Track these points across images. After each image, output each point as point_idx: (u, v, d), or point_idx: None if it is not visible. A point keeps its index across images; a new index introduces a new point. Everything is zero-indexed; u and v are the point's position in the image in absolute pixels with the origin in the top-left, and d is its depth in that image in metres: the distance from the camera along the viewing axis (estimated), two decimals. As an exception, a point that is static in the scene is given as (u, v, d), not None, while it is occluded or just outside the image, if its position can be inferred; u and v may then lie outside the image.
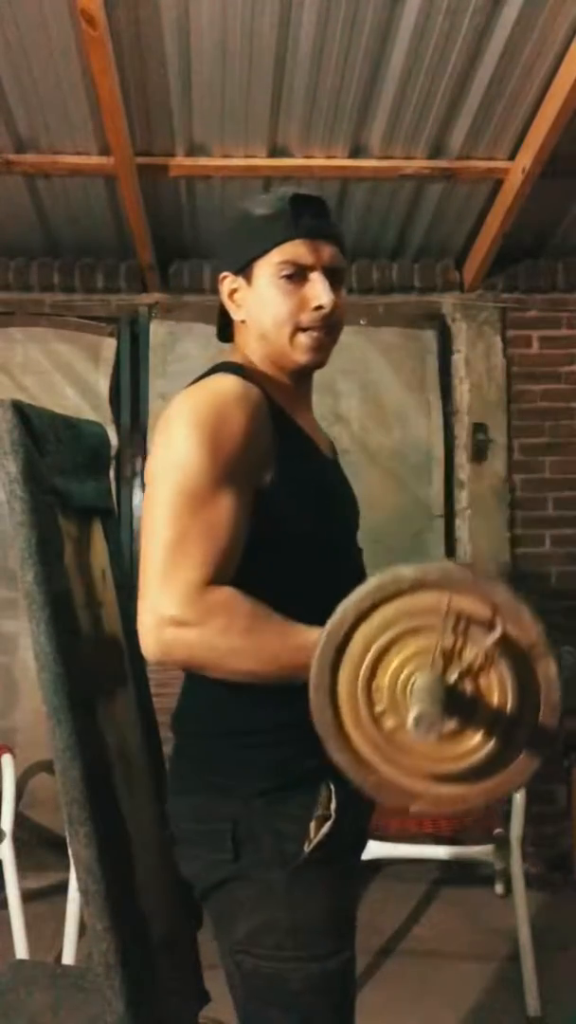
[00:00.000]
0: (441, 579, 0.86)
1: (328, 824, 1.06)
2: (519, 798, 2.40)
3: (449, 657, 0.86)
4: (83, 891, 1.13)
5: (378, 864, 2.86)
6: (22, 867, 2.41)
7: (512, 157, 2.53)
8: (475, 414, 3.15)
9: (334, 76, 2.21)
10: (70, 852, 1.16)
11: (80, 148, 2.48)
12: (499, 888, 2.83)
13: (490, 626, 0.86)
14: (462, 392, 3.17)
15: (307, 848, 1.06)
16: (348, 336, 3.10)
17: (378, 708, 0.89)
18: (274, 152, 2.52)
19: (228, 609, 0.97)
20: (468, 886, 2.87)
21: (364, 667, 0.88)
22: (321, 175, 2.59)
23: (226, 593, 0.98)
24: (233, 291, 1.20)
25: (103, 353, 3.12)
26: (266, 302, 1.15)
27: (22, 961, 2.21)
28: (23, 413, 1.13)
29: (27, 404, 1.16)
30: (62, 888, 2.41)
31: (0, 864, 2.39)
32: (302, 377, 1.22)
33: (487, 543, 3.14)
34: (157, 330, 3.11)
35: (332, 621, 0.88)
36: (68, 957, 2.26)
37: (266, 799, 1.07)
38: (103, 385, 3.11)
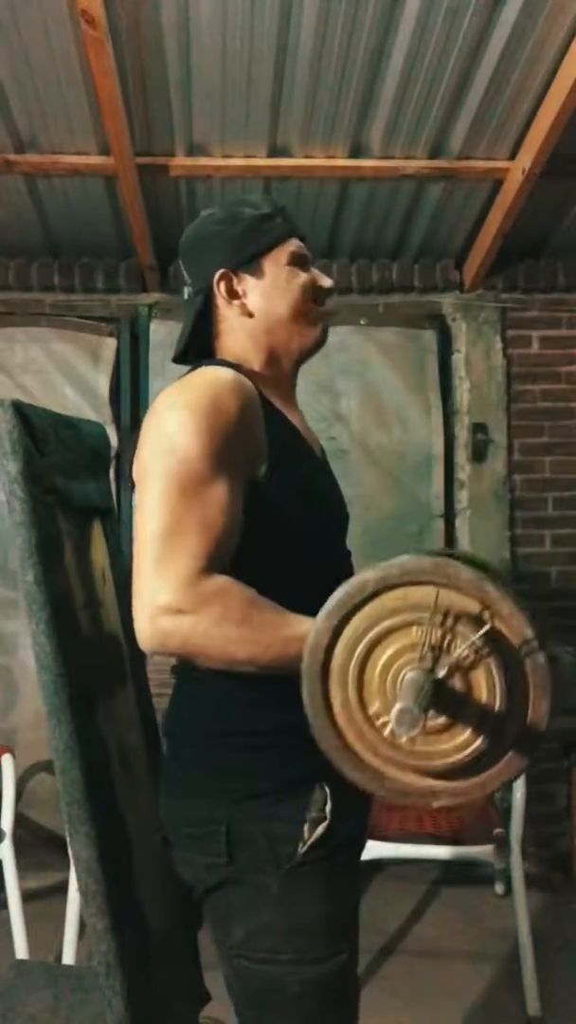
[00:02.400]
0: (432, 573, 0.86)
1: (322, 826, 1.06)
2: (519, 798, 2.40)
3: (438, 652, 0.86)
4: (83, 891, 1.13)
5: (378, 864, 2.86)
6: (22, 867, 2.41)
7: (512, 157, 2.53)
8: (475, 414, 3.15)
9: (334, 76, 2.21)
10: (70, 852, 1.16)
11: (80, 148, 2.48)
12: (499, 888, 2.83)
13: (479, 621, 0.85)
14: (462, 392, 3.17)
15: (301, 850, 1.05)
16: (348, 336, 3.15)
17: (367, 697, 0.89)
18: (274, 152, 2.52)
19: (223, 597, 0.96)
20: (468, 886, 2.87)
21: (356, 657, 0.88)
22: (321, 175, 2.59)
23: (221, 582, 0.97)
24: (233, 289, 1.20)
25: (103, 353, 3.12)
26: (284, 288, 1.19)
27: (22, 961, 2.22)
28: (23, 413, 1.13)
29: (27, 404, 1.16)
30: (62, 888, 2.41)
31: (0, 864, 2.39)
32: (295, 372, 1.23)
33: (487, 543, 3.14)
34: (157, 330, 3.11)
35: (325, 610, 0.88)
36: (68, 957, 2.26)
37: (259, 801, 1.07)
38: (103, 385, 3.11)
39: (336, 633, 0.89)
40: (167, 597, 0.95)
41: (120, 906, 1.14)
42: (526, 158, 2.43)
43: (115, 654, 1.34)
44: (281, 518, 1.08)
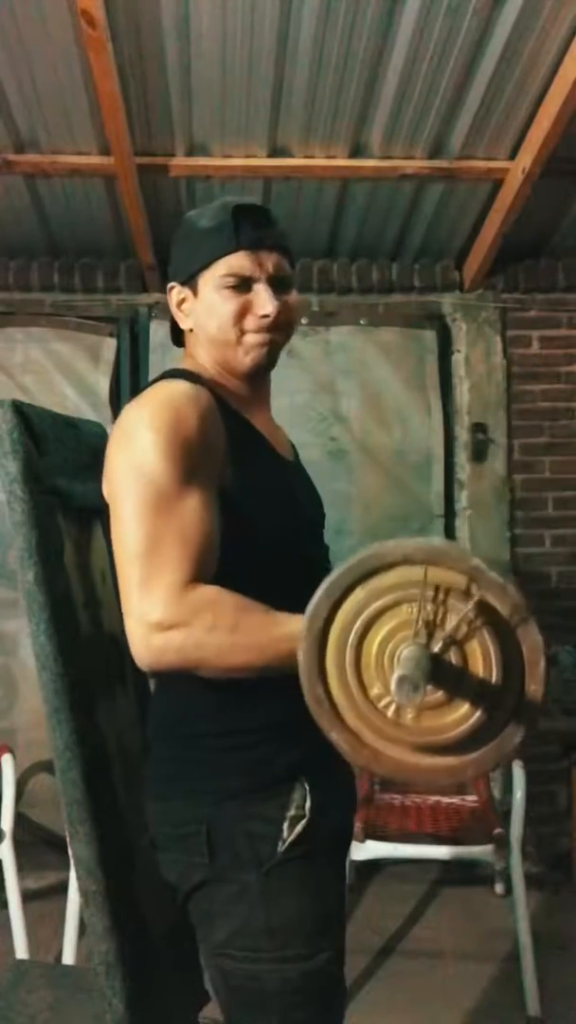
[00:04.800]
0: (417, 553, 0.87)
1: (302, 823, 1.06)
2: (519, 798, 2.40)
3: (432, 628, 0.87)
4: (83, 891, 1.13)
5: (378, 864, 2.86)
6: (22, 867, 2.41)
7: (512, 157, 2.53)
8: (475, 414, 3.15)
9: (334, 76, 2.21)
10: (70, 852, 1.16)
11: (80, 148, 2.48)
12: (499, 888, 2.83)
13: (469, 594, 0.86)
14: (462, 392, 3.17)
15: (281, 848, 1.05)
16: (348, 336, 3.15)
17: (367, 683, 0.89)
18: (274, 152, 2.52)
19: (213, 606, 0.96)
20: (468, 886, 2.87)
21: (350, 644, 0.88)
22: (321, 175, 2.59)
23: (208, 591, 0.98)
24: (181, 301, 1.21)
25: (103, 353, 3.12)
26: (211, 311, 1.16)
27: (22, 961, 2.22)
28: (23, 413, 1.13)
29: (27, 404, 1.16)
30: (62, 888, 2.41)
31: (0, 864, 2.39)
32: (255, 380, 1.21)
33: (487, 543, 3.14)
34: (157, 330, 3.10)
35: (314, 601, 0.89)
36: (68, 957, 2.26)
37: (239, 800, 1.07)
38: (103, 385, 3.11)
39: (330, 616, 0.89)
40: (157, 614, 0.96)
41: (120, 906, 1.14)
42: (526, 158, 2.43)
43: (115, 654, 1.34)
44: (244, 521, 1.08)
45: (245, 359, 1.17)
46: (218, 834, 1.07)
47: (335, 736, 0.90)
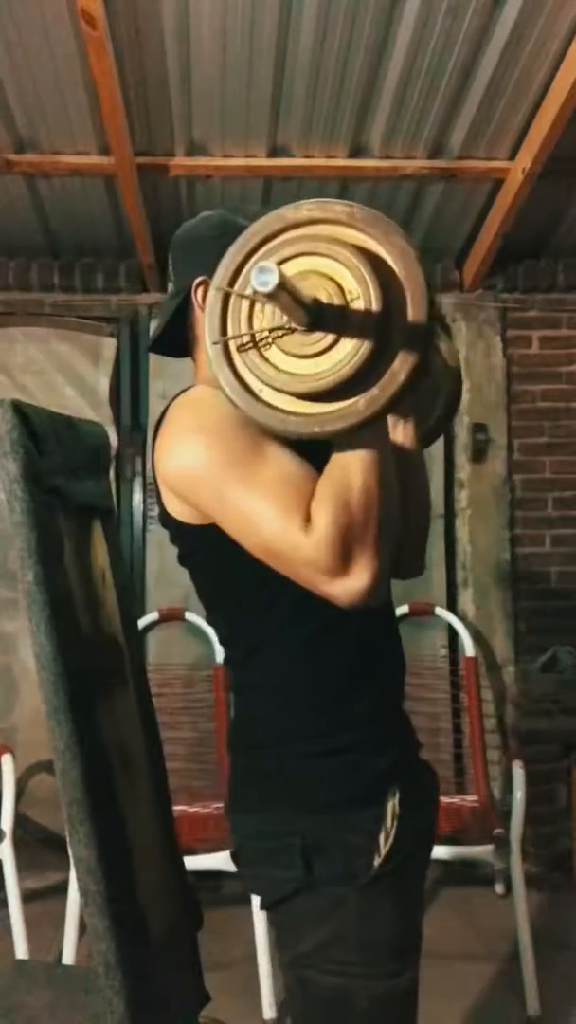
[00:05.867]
0: (315, 208, 0.91)
1: (394, 835, 1.05)
2: (519, 798, 2.40)
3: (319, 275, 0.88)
4: (83, 891, 1.13)
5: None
6: (22, 867, 2.41)
7: (512, 157, 2.53)
8: (475, 414, 3.15)
9: (334, 76, 2.21)
10: (70, 852, 1.16)
11: (80, 148, 2.48)
12: (499, 888, 2.83)
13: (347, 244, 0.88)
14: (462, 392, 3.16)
15: (376, 862, 1.04)
16: (348, 336, 3.13)
17: (256, 324, 0.90)
18: (274, 152, 2.52)
19: (336, 508, 0.92)
20: (468, 886, 2.87)
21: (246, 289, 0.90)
22: (321, 175, 2.59)
23: (319, 506, 0.94)
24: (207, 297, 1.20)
25: (103, 353, 3.13)
26: None
27: (22, 961, 2.21)
28: (23, 413, 1.13)
29: (27, 404, 1.16)
30: (62, 888, 2.42)
31: (0, 864, 2.39)
32: None
33: (487, 543, 3.14)
34: (157, 330, 3.10)
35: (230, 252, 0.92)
36: (68, 957, 2.26)
37: (334, 812, 1.06)
38: (103, 385, 3.12)
39: (239, 269, 0.91)
40: (319, 555, 0.92)
41: (120, 906, 1.14)
42: (526, 158, 2.43)
43: (115, 655, 1.34)
44: None
45: None
46: (313, 846, 1.05)
47: (226, 375, 0.92)
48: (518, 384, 3.18)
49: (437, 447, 3.15)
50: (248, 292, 0.89)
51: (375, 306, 0.86)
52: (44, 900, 2.66)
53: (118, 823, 1.18)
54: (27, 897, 2.44)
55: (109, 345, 3.13)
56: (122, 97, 2.18)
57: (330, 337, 0.87)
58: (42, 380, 3.10)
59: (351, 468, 0.93)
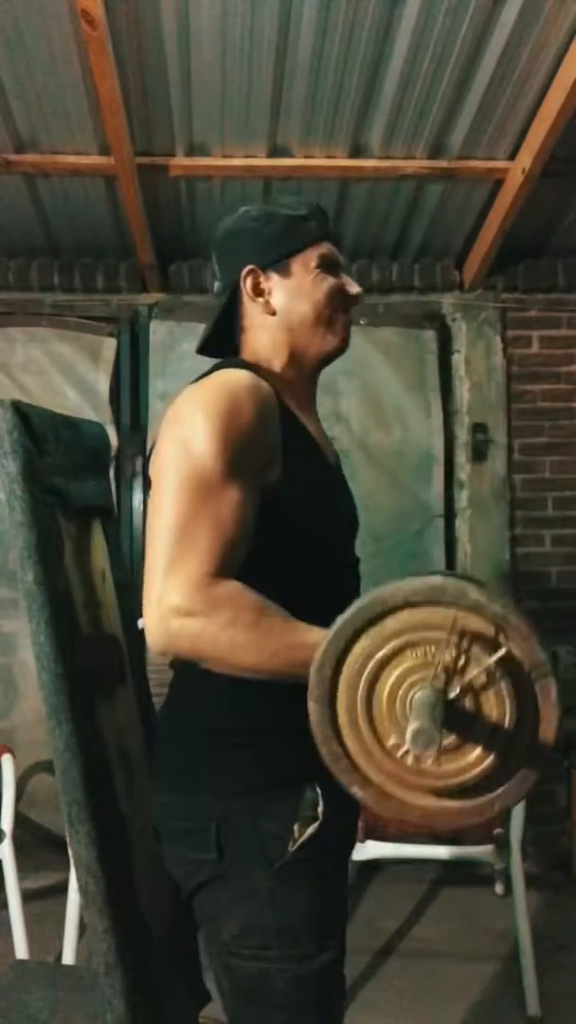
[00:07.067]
0: (416, 595, 0.86)
1: (313, 825, 1.06)
2: (519, 798, 2.39)
3: (451, 673, 0.86)
4: (83, 891, 1.13)
5: (378, 864, 2.86)
6: (22, 867, 2.41)
7: (512, 157, 2.53)
8: (475, 414, 3.15)
9: (334, 76, 2.21)
10: (70, 852, 1.16)
11: (80, 148, 2.48)
12: (499, 888, 2.83)
13: (494, 644, 0.86)
14: (462, 392, 3.17)
15: (291, 848, 1.06)
16: (348, 336, 3.12)
17: (382, 735, 0.89)
18: (274, 152, 2.52)
19: (234, 603, 0.96)
20: (468, 886, 2.87)
21: (364, 679, 0.88)
22: (321, 175, 2.59)
23: (232, 587, 0.98)
24: (257, 285, 1.20)
25: (103, 353, 3.13)
26: (307, 292, 1.19)
27: (22, 961, 2.21)
28: (23, 413, 1.13)
29: (27, 404, 1.16)
30: (62, 888, 2.41)
31: (0, 864, 2.39)
32: (315, 376, 1.25)
33: (487, 543, 3.14)
34: (157, 330, 3.10)
35: (319, 654, 0.88)
36: (68, 957, 2.26)
37: (251, 799, 1.07)
38: (103, 385, 3.11)
39: (337, 667, 0.88)
40: (178, 599, 0.95)
41: (120, 906, 1.14)
42: (526, 158, 2.43)
43: (115, 654, 1.34)
44: (289, 524, 1.08)
45: (335, 339, 1.22)
46: (228, 831, 1.07)
47: (357, 791, 0.90)
48: (518, 384, 3.18)
49: (437, 447, 3.15)
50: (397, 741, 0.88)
51: (509, 724, 0.86)
52: (44, 900, 2.66)
53: (118, 823, 1.18)
54: (27, 897, 2.44)
55: (109, 345, 3.13)
56: (122, 97, 2.18)
57: (455, 738, 0.87)
58: (42, 380, 3.10)
59: (272, 645, 0.96)
